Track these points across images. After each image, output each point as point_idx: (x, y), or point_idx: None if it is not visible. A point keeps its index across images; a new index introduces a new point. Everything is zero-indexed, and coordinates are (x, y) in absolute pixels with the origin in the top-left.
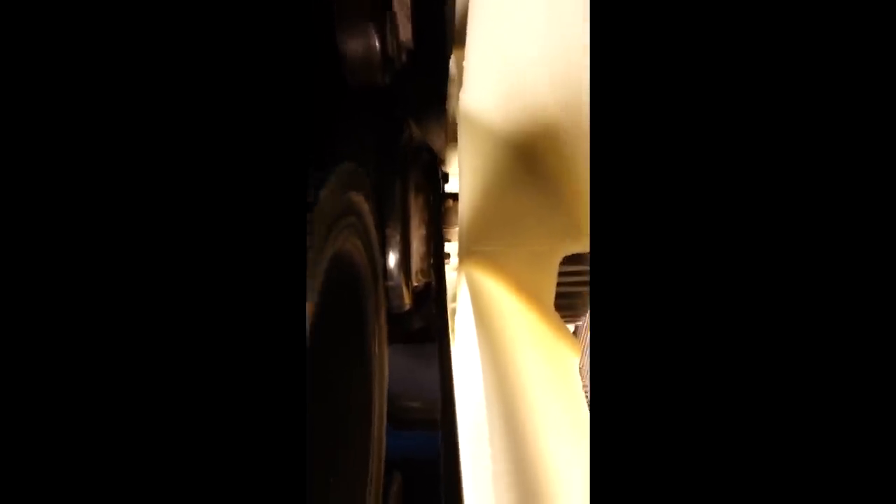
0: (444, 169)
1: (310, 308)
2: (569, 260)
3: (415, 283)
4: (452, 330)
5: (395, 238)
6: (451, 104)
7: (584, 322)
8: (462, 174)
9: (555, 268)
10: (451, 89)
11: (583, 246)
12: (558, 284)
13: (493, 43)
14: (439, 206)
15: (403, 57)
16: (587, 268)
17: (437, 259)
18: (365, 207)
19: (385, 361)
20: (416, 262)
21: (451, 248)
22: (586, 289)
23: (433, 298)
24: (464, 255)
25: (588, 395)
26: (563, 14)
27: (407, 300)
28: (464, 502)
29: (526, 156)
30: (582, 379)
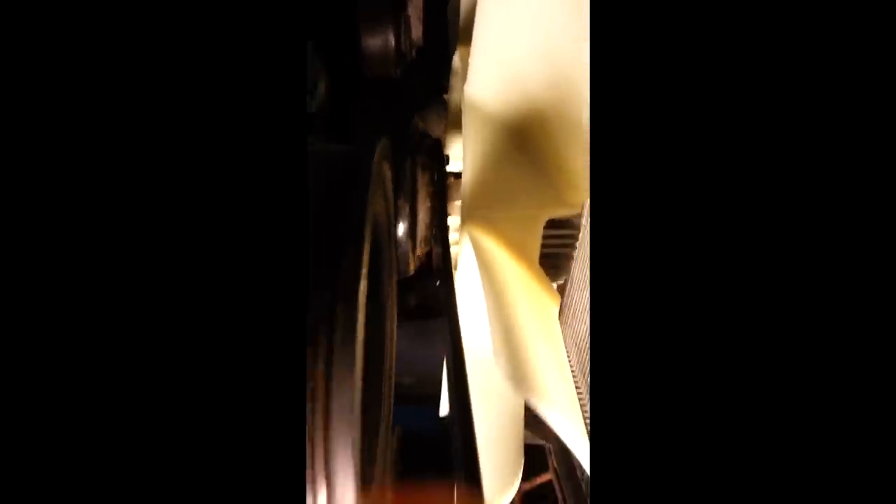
0: (444, 152)
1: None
2: (552, 225)
3: (419, 252)
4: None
5: (405, 210)
6: (453, 95)
7: (566, 280)
8: (465, 153)
9: (540, 230)
10: (455, 83)
11: (564, 212)
12: (543, 246)
13: (495, 42)
14: (443, 183)
15: (413, 53)
16: (569, 231)
17: (442, 229)
18: (389, 177)
19: (395, 324)
20: (421, 231)
21: (451, 221)
22: (568, 250)
23: (438, 265)
24: (466, 218)
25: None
26: (551, 20)
27: (412, 266)
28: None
29: (519, 138)
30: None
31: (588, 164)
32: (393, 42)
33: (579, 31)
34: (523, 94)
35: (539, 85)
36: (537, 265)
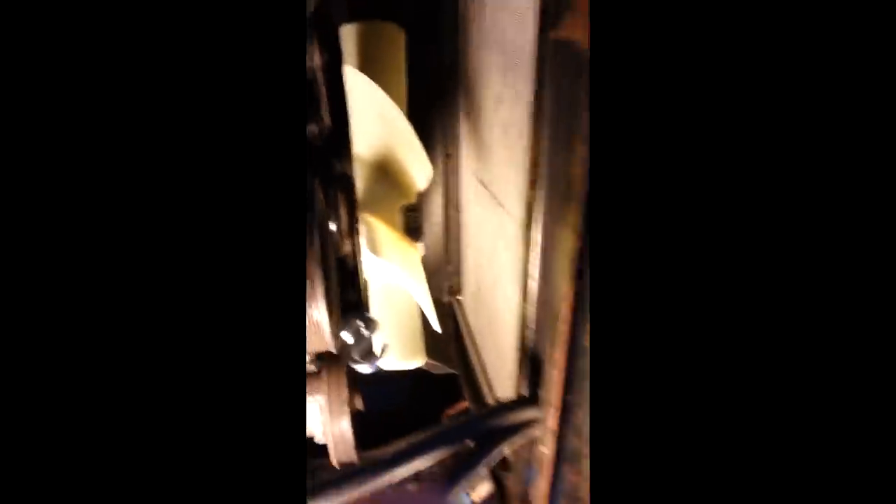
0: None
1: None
2: (407, 209)
3: (345, 239)
4: None
5: (334, 214)
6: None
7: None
8: (357, 180)
9: (399, 212)
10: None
11: (409, 201)
12: (405, 221)
13: (357, 122)
14: (353, 198)
15: (328, 131)
16: (415, 213)
17: (353, 224)
18: (321, 198)
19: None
20: (344, 225)
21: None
22: (418, 224)
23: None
24: (362, 210)
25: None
26: (377, 113)
27: (344, 244)
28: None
29: (379, 169)
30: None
31: (411, 176)
32: (317, 130)
33: (392, 113)
34: (374, 149)
35: (379, 144)
36: (402, 231)
